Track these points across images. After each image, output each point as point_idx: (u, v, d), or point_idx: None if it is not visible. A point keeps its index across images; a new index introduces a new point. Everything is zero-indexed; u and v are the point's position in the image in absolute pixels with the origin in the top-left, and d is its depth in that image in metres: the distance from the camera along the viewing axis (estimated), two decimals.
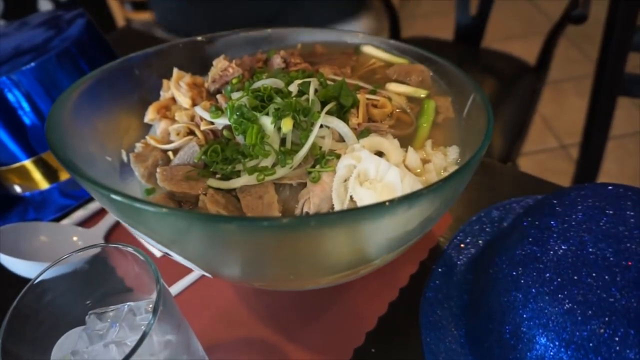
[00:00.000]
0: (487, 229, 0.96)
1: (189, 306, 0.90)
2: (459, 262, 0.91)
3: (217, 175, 0.75)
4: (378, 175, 0.69)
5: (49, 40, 1.18)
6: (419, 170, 0.73)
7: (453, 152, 0.76)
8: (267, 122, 0.73)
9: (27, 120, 1.14)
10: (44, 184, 1.18)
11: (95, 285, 0.69)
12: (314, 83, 0.77)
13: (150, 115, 0.89)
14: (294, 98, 0.75)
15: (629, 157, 3.12)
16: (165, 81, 0.93)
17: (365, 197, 0.67)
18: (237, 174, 0.74)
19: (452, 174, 0.59)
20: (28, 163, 1.16)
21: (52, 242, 1.03)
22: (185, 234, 0.58)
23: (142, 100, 0.92)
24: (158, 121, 0.89)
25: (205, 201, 0.69)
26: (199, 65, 0.99)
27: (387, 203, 0.52)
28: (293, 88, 0.76)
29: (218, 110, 0.79)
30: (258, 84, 0.79)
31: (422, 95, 0.88)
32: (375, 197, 0.66)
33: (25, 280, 0.60)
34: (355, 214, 0.54)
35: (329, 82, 0.81)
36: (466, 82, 0.83)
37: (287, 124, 0.71)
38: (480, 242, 0.94)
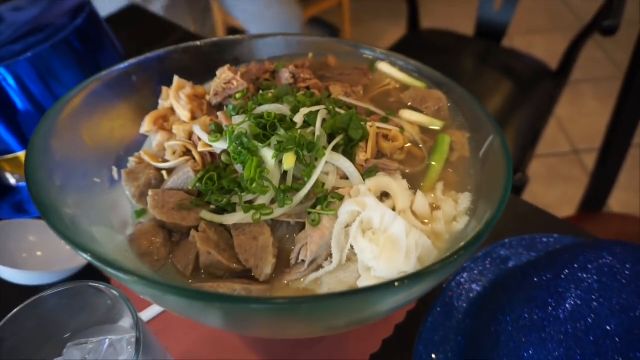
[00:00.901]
0: (491, 268, 0.92)
1: (172, 327, 0.87)
2: (458, 303, 0.87)
3: (212, 206, 0.70)
4: (382, 225, 0.64)
5: (47, 25, 1.12)
6: (426, 221, 0.68)
7: (465, 200, 0.71)
8: (268, 155, 0.67)
9: (22, 111, 1.09)
10: None
11: (73, 317, 0.66)
12: (321, 114, 0.71)
13: (146, 126, 0.83)
14: (298, 131, 0.69)
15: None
16: (165, 89, 0.88)
17: (366, 250, 0.62)
18: (233, 207, 0.69)
19: (463, 248, 0.54)
20: (22, 155, 1.12)
21: (40, 242, 1.00)
22: (178, 305, 0.54)
23: (138, 107, 0.86)
24: (155, 133, 0.84)
25: (196, 238, 0.65)
26: (203, 71, 0.93)
27: (396, 283, 0.48)
28: (299, 119, 0.70)
29: (217, 133, 0.74)
30: (262, 109, 0.73)
31: (437, 128, 0.82)
32: (377, 251, 0.62)
33: (9, 285, 0.58)
34: (350, 298, 0.50)
35: (338, 110, 0.75)
36: (486, 120, 0.77)
37: (289, 161, 0.66)
38: (482, 281, 0.90)
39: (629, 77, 1.66)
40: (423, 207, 0.70)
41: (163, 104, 0.88)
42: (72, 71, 1.14)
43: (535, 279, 0.72)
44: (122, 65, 0.83)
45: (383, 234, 0.64)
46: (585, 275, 0.67)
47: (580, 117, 3.46)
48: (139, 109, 0.86)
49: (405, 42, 2.53)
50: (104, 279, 0.90)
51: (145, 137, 0.86)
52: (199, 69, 0.94)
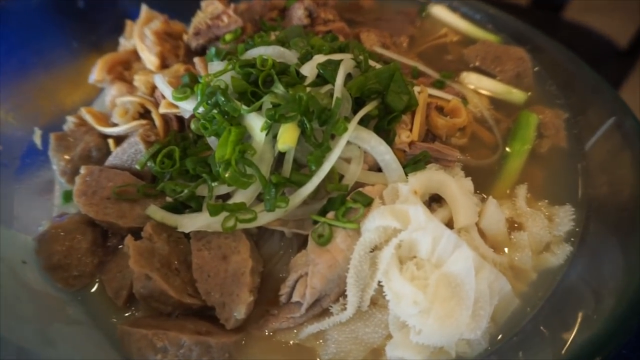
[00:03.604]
0: None
1: None
2: None
3: (167, 199, 0.46)
4: (435, 255, 0.38)
5: None
6: (505, 250, 0.43)
7: (565, 217, 0.44)
8: (255, 125, 0.42)
9: None
10: None
11: None
12: (345, 66, 0.45)
13: (96, 74, 0.58)
14: (307, 89, 0.43)
15: None
16: (129, 23, 0.63)
17: (406, 297, 0.37)
18: (198, 202, 0.45)
19: (583, 349, 0.29)
20: None
21: None
22: None
23: (90, 47, 0.62)
24: (109, 84, 0.60)
25: (130, 250, 0.40)
26: (187, 3, 0.67)
27: None
28: (308, 70, 0.44)
29: (186, 88, 0.49)
30: (254, 53, 0.48)
31: (519, 102, 0.55)
32: (423, 300, 0.36)
33: None
34: None
35: (371, 63, 0.49)
36: (601, 93, 0.49)
37: (288, 138, 0.41)
38: None
39: None
40: (497, 224, 0.44)
41: (125, 44, 0.63)
42: None
43: None
44: None
45: (435, 270, 0.38)
46: None
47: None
48: (91, 49, 0.61)
49: None
50: None
51: (101, 92, 0.62)
52: (182, 5, 0.68)
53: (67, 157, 0.52)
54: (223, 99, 0.43)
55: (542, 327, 0.39)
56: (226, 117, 0.43)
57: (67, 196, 0.52)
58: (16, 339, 0.33)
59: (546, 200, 0.46)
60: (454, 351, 0.36)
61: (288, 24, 0.63)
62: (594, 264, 0.40)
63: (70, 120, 0.56)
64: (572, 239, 0.43)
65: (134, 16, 0.63)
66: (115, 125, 0.55)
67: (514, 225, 0.45)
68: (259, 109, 0.43)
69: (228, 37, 0.58)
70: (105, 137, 0.55)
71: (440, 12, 0.64)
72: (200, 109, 0.45)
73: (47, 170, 0.52)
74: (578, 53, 1.86)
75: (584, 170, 0.47)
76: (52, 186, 0.53)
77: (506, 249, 0.44)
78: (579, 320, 0.36)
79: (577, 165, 0.48)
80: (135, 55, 0.62)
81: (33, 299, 0.39)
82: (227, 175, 0.41)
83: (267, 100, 0.43)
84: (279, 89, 0.43)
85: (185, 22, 0.65)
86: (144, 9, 0.62)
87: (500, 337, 0.39)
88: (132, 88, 0.60)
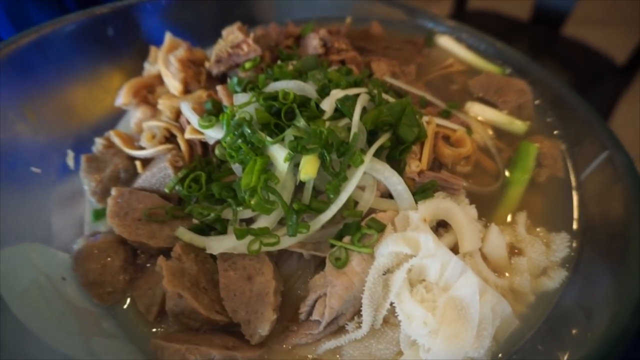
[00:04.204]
0: None
1: None
2: None
3: (194, 220, 0.50)
4: (443, 279, 0.42)
5: None
6: (507, 274, 0.46)
7: (561, 243, 0.48)
8: (279, 155, 0.46)
9: None
10: None
11: None
12: (362, 101, 0.49)
13: (123, 97, 0.62)
14: (327, 122, 0.47)
15: None
16: (153, 49, 0.66)
17: (417, 318, 0.40)
18: (223, 224, 0.48)
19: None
20: None
21: None
22: None
23: (116, 70, 0.65)
24: (134, 107, 0.63)
25: (164, 271, 0.44)
26: (207, 29, 0.71)
27: None
28: (328, 105, 0.48)
29: (212, 116, 0.52)
30: (276, 86, 0.51)
31: (520, 132, 0.59)
32: (433, 322, 0.40)
33: None
34: None
35: (385, 97, 0.53)
36: (596, 127, 0.53)
37: (309, 168, 0.44)
38: None
39: None
40: (498, 249, 0.47)
41: (149, 69, 0.66)
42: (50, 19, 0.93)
43: None
44: (97, 10, 0.61)
45: (442, 293, 0.42)
46: None
47: (633, 121, 3.13)
48: (118, 73, 0.65)
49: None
50: None
51: (123, 113, 0.65)
52: (203, 27, 0.72)
53: (97, 177, 0.56)
54: (249, 131, 0.47)
55: (539, 346, 0.42)
56: (251, 147, 0.47)
57: (97, 215, 0.55)
58: (65, 352, 0.37)
59: (544, 227, 0.50)
60: None
61: (303, 52, 0.67)
62: (587, 288, 0.44)
63: (99, 142, 0.60)
64: (567, 265, 0.46)
65: (156, 42, 0.66)
66: (142, 148, 0.58)
67: (514, 251, 0.49)
68: (282, 140, 0.46)
69: (247, 65, 0.62)
70: (133, 158, 0.59)
71: (446, 42, 0.68)
72: (227, 138, 0.48)
73: (77, 189, 0.55)
74: (577, 69, 1.90)
75: (579, 200, 0.51)
76: (82, 204, 0.56)
77: (507, 273, 0.47)
78: (573, 340, 0.39)
79: (572, 195, 0.52)
80: (158, 79, 0.66)
81: (75, 314, 0.42)
82: (253, 202, 0.44)
83: (289, 133, 0.46)
84: (301, 122, 0.46)
85: (203, 47, 0.69)
86: (168, 36, 0.65)
87: (500, 355, 0.42)
88: (156, 111, 0.63)
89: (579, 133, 0.55)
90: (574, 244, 0.48)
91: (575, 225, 0.49)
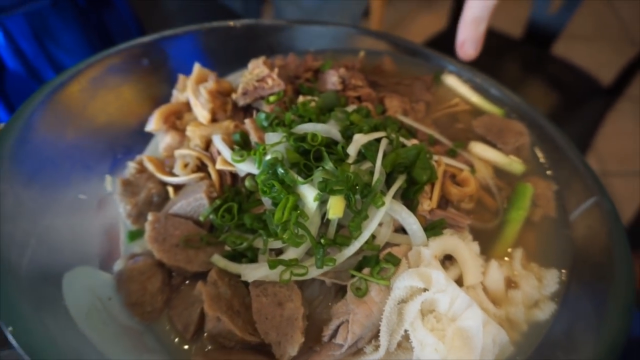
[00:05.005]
0: None
1: None
2: None
3: (226, 247, 0.55)
4: (451, 311, 0.48)
5: None
6: (503, 304, 0.53)
7: (552, 279, 0.55)
8: (308, 195, 0.51)
9: (11, 74, 0.92)
10: None
11: None
12: (383, 145, 0.54)
13: (154, 123, 0.67)
14: (351, 166, 0.53)
15: None
16: (181, 77, 0.71)
17: (428, 345, 0.47)
18: (254, 252, 0.54)
19: None
20: None
21: None
22: None
23: (146, 97, 0.70)
24: (164, 133, 0.68)
25: (204, 296, 0.49)
26: (230, 58, 0.76)
27: None
28: (353, 150, 0.54)
29: (242, 151, 0.57)
30: (304, 128, 0.56)
31: (518, 172, 0.65)
32: (443, 348, 0.46)
33: None
34: None
35: (402, 140, 0.58)
36: (584, 173, 0.60)
37: (337, 208, 0.50)
38: None
39: None
40: (498, 283, 0.54)
41: (178, 96, 0.71)
42: (72, 32, 0.96)
43: None
44: (131, 43, 0.65)
45: (450, 324, 0.48)
46: None
47: (615, 137, 3.25)
48: (148, 98, 0.69)
49: (444, 37, 2.32)
50: None
51: (151, 136, 0.70)
52: (226, 55, 0.77)
53: (132, 201, 0.60)
54: (282, 171, 0.52)
55: None
56: (283, 185, 0.52)
57: (132, 236, 0.59)
58: None
59: (537, 263, 0.56)
60: None
61: (322, 86, 0.72)
62: (573, 321, 0.50)
63: (132, 166, 0.64)
64: (556, 299, 0.53)
65: (181, 69, 0.71)
66: (173, 174, 0.63)
67: (510, 284, 0.55)
68: (311, 181, 0.52)
69: (272, 98, 0.67)
70: (164, 183, 0.63)
71: (452, 82, 0.74)
72: (262, 176, 0.53)
73: (112, 212, 0.60)
74: (565, 89, 1.99)
75: (569, 240, 0.57)
76: (116, 226, 0.60)
77: (503, 304, 0.54)
78: None
79: (563, 234, 0.59)
80: (186, 106, 0.70)
81: (124, 331, 0.47)
82: (285, 236, 0.50)
83: (318, 174, 0.52)
84: (329, 165, 0.52)
85: (224, 73, 0.73)
86: (197, 67, 0.70)
87: None
88: (184, 137, 0.68)
89: (570, 176, 0.62)
90: (563, 280, 0.55)
91: (564, 263, 0.56)
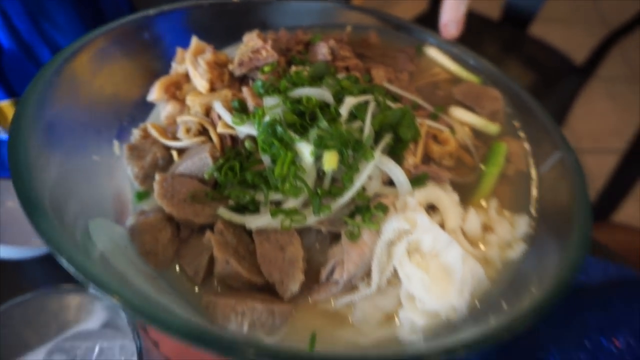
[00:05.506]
0: None
1: None
2: None
3: (230, 202, 0.60)
4: (434, 249, 0.55)
5: None
6: (481, 246, 0.59)
7: (522, 224, 0.61)
8: (305, 151, 0.57)
9: (7, 53, 0.94)
10: None
11: (59, 320, 0.56)
12: (372, 106, 0.60)
13: (156, 93, 0.71)
14: (344, 123, 0.58)
15: None
16: (179, 50, 0.75)
17: (415, 278, 0.53)
18: (256, 205, 0.59)
19: (537, 305, 0.46)
20: (6, 105, 0.98)
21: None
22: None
23: (147, 69, 0.74)
24: (165, 102, 0.72)
25: (213, 242, 0.55)
26: (224, 33, 0.80)
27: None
28: (345, 110, 0.59)
29: (241, 114, 0.62)
30: (300, 92, 0.62)
31: (494, 133, 0.72)
32: (427, 280, 0.52)
33: None
34: None
35: (388, 103, 0.64)
36: (553, 132, 0.67)
37: (331, 161, 0.55)
38: None
39: None
40: (475, 227, 0.60)
41: (177, 68, 0.75)
42: (66, 11, 0.98)
43: (581, 317, 0.64)
44: (133, 18, 0.69)
45: (433, 259, 0.54)
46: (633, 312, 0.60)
47: (588, 116, 3.37)
48: (148, 71, 0.73)
49: (425, 18, 2.38)
50: None
51: (152, 105, 0.74)
52: (220, 31, 0.80)
53: (139, 164, 0.64)
54: (281, 129, 0.57)
55: (502, 301, 0.55)
56: (282, 143, 0.57)
57: (140, 196, 0.64)
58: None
59: (508, 211, 0.63)
60: (445, 315, 0.52)
61: (313, 57, 0.76)
62: (540, 258, 0.57)
63: (137, 132, 0.68)
64: (526, 240, 0.60)
65: (179, 43, 0.75)
66: (176, 139, 0.68)
67: (486, 229, 0.61)
68: (307, 138, 0.57)
69: (266, 68, 0.71)
70: (168, 148, 0.68)
71: (433, 52, 0.79)
72: (261, 136, 0.58)
73: (121, 174, 0.64)
74: (540, 68, 2.08)
75: (538, 190, 0.64)
76: (125, 187, 0.65)
77: (481, 246, 0.60)
78: (527, 295, 0.52)
79: (533, 186, 0.65)
80: (185, 77, 0.74)
81: (142, 275, 0.52)
82: (285, 187, 0.55)
83: (313, 132, 0.57)
84: (323, 124, 0.57)
85: (219, 48, 0.77)
86: (194, 40, 0.73)
87: (474, 306, 0.55)
88: (184, 106, 0.72)
89: (539, 136, 0.68)
90: (532, 224, 0.61)
91: (533, 210, 0.63)
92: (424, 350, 0.47)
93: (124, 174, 0.65)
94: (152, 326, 0.39)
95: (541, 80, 2.17)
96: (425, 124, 0.66)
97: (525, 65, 2.22)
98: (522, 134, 0.71)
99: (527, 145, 0.69)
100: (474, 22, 2.44)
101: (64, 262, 0.40)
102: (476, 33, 2.27)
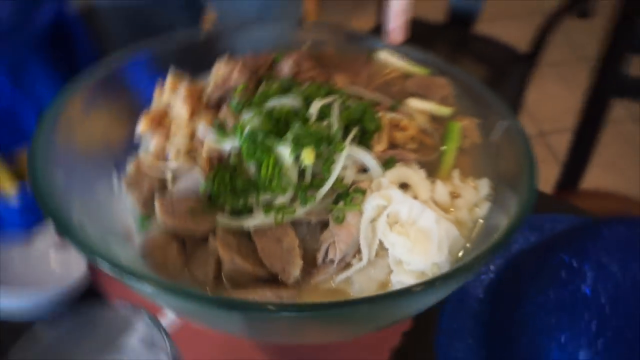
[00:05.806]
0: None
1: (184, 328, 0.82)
2: (472, 291, 0.87)
3: (226, 209, 0.66)
4: (410, 217, 0.62)
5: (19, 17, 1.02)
6: (452, 210, 0.67)
7: (484, 186, 0.70)
8: (284, 152, 0.64)
9: None
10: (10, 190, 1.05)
11: (97, 337, 0.61)
12: (336, 105, 0.68)
13: (143, 126, 0.78)
14: (314, 124, 0.66)
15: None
16: (159, 83, 0.82)
17: (398, 244, 0.60)
18: (248, 209, 0.66)
19: (502, 238, 0.53)
20: None
21: (24, 266, 0.92)
22: (210, 316, 0.51)
23: (130, 105, 0.81)
24: (152, 133, 0.79)
25: (217, 245, 0.61)
26: (192, 66, 0.88)
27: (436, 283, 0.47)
28: (314, 111, 0.67)
29: (224, 131, 0.70)
30: (273, 104, 0.69)
31: (447, 115, 0.81)
32: (409, 244, 0.60)
33: None
34: (398, 297, 0.49)
35: (350, 102, 0.72)
36: (496, 104, 0.76)
37: (309, 156, 0.63)
38: (492, 266, 0.90)
39: (608, 56, 1.70)
40: (444, 196, 0.68)
41: (158, 100, 0.82)
42: (48, 70, 1.05)
43: (554, 260, 0.73)
44: (104, 65, 0.76)
45: (412, 226, 0.62)
46: (604, 250, 0.68)
47: (544, 100, 3.57)
48: (133, 108, 0.80)
49: (377, 33, 2.53)
50: (101, 295, 0.84)
51: (142, 139, 0.81)
52: (190, 62, 0.88)
53: (137, 192, 0.71)
54: (261, 137, 0.65)
55: (475, 254, 0.62)
56: (263, 148, 0.65)
57: (144, 220, 0.69)
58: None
59: (470, 178, 0.71)
60: (430, 272, 0.60)
61: (279, 74, 0.85)
62: (500, 212, 0.66)
63: (131, 165, 0.75)
64: (489, 199, 0.68)
65: (158, 77, 0.82)
66: (169, 164, 0.74)
67: (453, 195, 0.70)
68: (285, 141, 0.65)
69: (239, 88, 0.80)
70: (162, 178, 0.74)
71: (384, 55, 0.89)
72: (244, 145, 0.66)
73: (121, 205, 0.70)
74: (489, 61, 2.23)
75: (492, 156, 0.73)
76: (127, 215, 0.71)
77: (452, 210, 0.68)
78: (491, 241, 0.59)
79: (488, 153, 0.74)
80: (166, 109, 0.82)
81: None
82: (273, 185, 0.62)
83: (289, 135, 0.65)
84: (297, 126, 0.65)
85: (193, 76, 0.85)
86: (171, 71, 0.81)
87: (453, 262, 0.63)
88: (170, 134, 0.79)
89: (487, 111, 0.77)
90: (492, 184, 0.70)
91: (491, 173, 0.71)
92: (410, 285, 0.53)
93: (125, 205, 0.71)
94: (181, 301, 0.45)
95: (492, 72, 2.32)
96: (385, 116, 0.74)
97: (475, 61, 2.37)
98: (471, 112, 0.81)
99: (477, 120, 0.79)
100: (422, 28, 2.61)
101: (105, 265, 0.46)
102: (426, 37, 2.42)
